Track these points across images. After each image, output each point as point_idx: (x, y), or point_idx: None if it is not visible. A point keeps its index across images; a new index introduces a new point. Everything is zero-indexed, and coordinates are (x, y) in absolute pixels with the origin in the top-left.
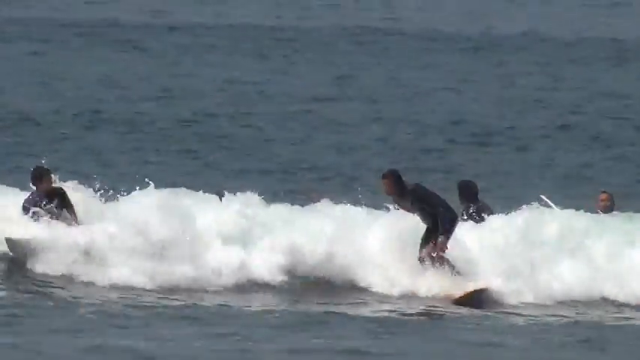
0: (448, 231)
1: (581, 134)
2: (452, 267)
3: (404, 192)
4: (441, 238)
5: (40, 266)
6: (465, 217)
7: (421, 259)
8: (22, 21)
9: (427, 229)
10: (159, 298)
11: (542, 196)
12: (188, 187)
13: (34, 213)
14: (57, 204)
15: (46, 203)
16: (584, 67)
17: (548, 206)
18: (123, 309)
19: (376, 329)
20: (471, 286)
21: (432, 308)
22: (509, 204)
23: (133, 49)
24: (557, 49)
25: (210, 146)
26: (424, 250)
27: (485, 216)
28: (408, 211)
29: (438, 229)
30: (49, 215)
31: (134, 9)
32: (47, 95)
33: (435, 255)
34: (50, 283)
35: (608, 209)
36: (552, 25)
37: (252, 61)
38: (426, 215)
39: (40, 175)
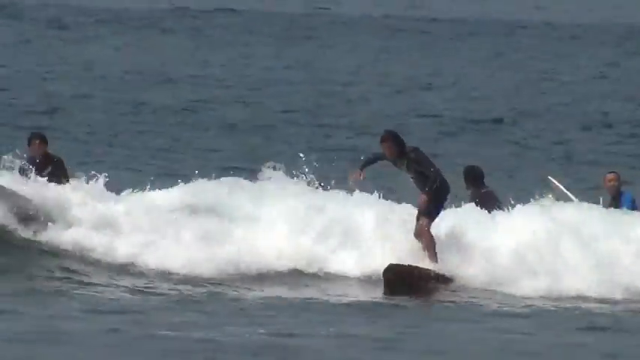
0: (433, 191)
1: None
2: (433, 252)
3: (403, 153)
4: (424, 196)
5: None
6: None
7: (417, 235)
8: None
9: (422, 197)
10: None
11: (551, 178)
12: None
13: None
14: (51, 171)
15: (37, 169)
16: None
17: (558, 189)
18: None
19: None
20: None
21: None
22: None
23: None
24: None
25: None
26: (417, 227)
27: (492, 202)
28: (407, 172)
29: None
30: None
31: None
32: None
33: (425, 230)
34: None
35: (615, 189)
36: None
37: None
38: (421, 179)
39: (29, 140)
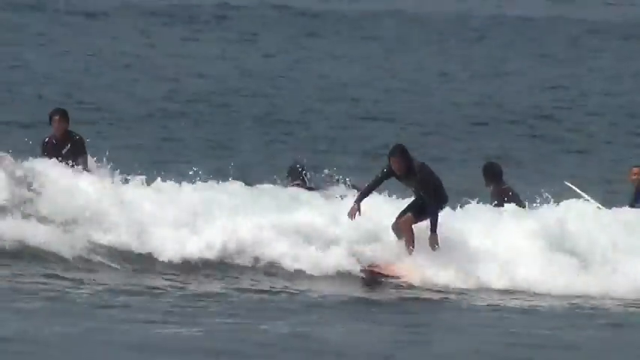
0: (436, 225)
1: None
2: (410, 246)
3: (410, 169)
4: (431, 235)
5: None
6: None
7: (395, 228)
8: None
9: (416, 199)
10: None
11: (567, 183)
12: None
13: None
14: (69, 150)
15: (55, 148)
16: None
17: (576, 193)
18: None
19: None
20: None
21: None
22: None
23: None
24: None
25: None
26: (402, 219)
27: (509, 198)
28: (407, 186)
29: (428, 204)
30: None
31: None
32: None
33: (408, 224)
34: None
35: (639, 182)
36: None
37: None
38: (427, 192)
39: (50, 116)
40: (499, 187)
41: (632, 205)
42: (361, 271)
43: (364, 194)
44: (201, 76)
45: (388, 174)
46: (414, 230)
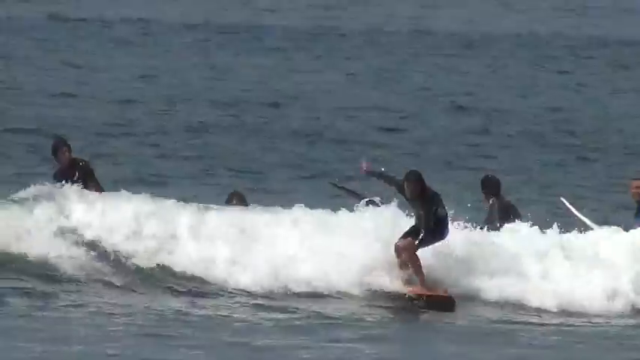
0: (432, 228)
1: None
2: (417, 274)
3: (424, 195)
4: (412, 239)
5: None
6: (489, 213)
7: (397, 250)
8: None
9: (418, 227)
10: None
11: (563, 199)
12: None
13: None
14: (78, 177)
15: (66, 179)
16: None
17: (570, 211)
18: None
19: None
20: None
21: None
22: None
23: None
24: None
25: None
26: (401, 242)
27: (494, 211)
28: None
29: (430, 231)
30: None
31: None
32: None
33: (409, 249)
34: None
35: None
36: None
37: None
38: (428, 220)
39: (54, 149)
40: (502, 201)
41: None
42: (410, 297)
43: (375, 173)
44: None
45: (398, 186)
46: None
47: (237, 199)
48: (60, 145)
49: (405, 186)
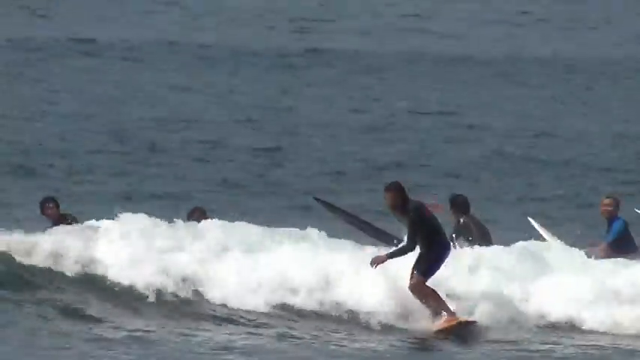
0: (429, 252)
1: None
2: (436, 305)
3: (405, 207)
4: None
5: None
6: (454, 233)
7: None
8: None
9: (419, 254)
10: None
11: (530, 219)
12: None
13: None
14: None
15: None
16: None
17: (535, 230)
18: None
19: None
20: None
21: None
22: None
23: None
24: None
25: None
26: (409, 283)
27: (473, 229)
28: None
29: (426, 254)
30: None
31: None
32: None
33: (419, 287)
34: None
35: (609, 214)
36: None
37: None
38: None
39: (41, 206)
40: (474, 220)
41: (611, 243)
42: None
43: (395, 254)
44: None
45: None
46: (430, 288)
47: (198, 213)
48: (44, 202)
49: (385, 197)
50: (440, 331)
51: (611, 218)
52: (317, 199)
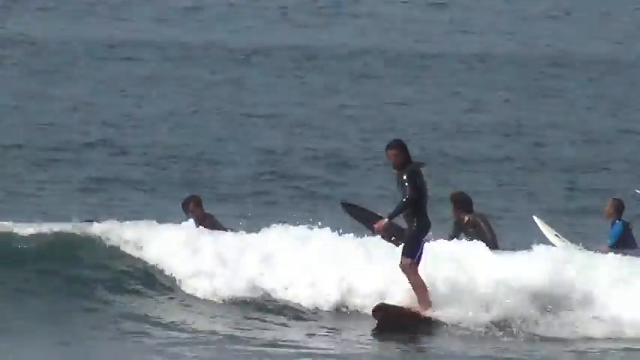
0: (413, 231)
1: None
2: (419, 291)
3: (404, 166)
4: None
5: None
6: (455, 232)
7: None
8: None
9: (404, 236)
10: None
11: (535, 218)
12: None
13: None
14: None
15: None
16: None
17: (540, 229)
18: None
19: None
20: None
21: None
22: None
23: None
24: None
25: None
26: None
27: (483, 225)
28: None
29: (410, 233)
30: None
31: None
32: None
33: (407, 269)
34: None
35: (610, 217)
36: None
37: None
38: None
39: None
40: (480, 216)
41: (612, 245)
42: (376, 310)
43: (396, 213)
44: None
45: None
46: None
47: (194, 203)
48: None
49: (387, 156)
50: (397, 314)
51: (612, 221)
52: (345, 205)
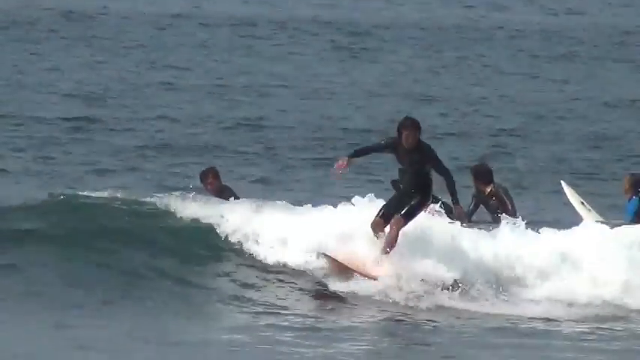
0: (456, 197)
1: None
2: (388, 248)
3: (418, 145)
4: (457, 208)
5: None
6: (475, 205)
7: (375, 227)
8: None
9: (401, 194)
10: None
11: (563, 183)
12: None
13: None
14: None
15: None
16: None
17: (567, 195)
18: None
19: None
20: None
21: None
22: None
23: None
24: None
25: None
26: (393, 221)
27: (504, 197)
28: (402, 163)
29: (417, 195)
30: None
31: None
32: None
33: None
34: None
35: (626, 193)
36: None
37: None
38: (417, 178)
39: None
40: (501, 186)
41: (630, 222)
42: (324, 256)
43: (360, 152)
44: None
45: (389, 147)
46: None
47: (212, 175)
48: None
49: (403, 135)
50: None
51: (629, 197)
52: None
